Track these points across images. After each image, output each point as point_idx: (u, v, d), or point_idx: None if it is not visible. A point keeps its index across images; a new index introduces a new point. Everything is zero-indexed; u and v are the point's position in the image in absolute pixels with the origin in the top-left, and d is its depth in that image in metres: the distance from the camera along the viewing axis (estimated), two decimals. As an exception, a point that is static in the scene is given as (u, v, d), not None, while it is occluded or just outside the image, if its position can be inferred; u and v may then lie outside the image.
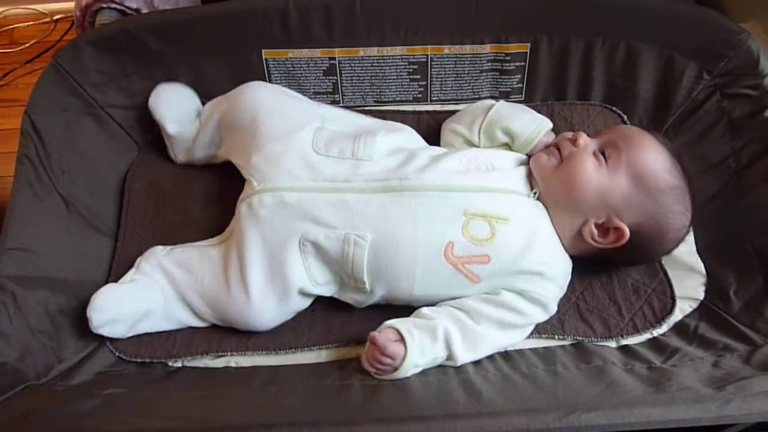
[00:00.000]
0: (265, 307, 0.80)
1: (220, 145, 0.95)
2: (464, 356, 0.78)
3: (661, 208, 0.79)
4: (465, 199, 0.79)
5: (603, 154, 0.81)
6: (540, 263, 0.79)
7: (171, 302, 0.84)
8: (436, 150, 0.88)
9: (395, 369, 0.74)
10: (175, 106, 0.95)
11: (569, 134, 0.85)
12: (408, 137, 0.92)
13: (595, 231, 0.80)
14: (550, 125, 0.91)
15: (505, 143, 0.91)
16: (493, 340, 0.80)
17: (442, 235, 0.78)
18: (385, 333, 0.76)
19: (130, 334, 0.84)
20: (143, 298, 0.83)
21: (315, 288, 0.81)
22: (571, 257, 0.84)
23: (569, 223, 0.82)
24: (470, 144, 0.93)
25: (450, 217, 0.78)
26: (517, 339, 0.82)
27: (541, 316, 0.82)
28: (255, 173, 0.84)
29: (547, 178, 0.83)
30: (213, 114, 0.94)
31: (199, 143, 0.96)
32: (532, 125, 0.89)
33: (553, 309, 0.82)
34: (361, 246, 0.78)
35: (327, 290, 0.83)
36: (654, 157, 0.80)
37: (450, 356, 0.77)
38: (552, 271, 0.80)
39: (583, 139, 0.83)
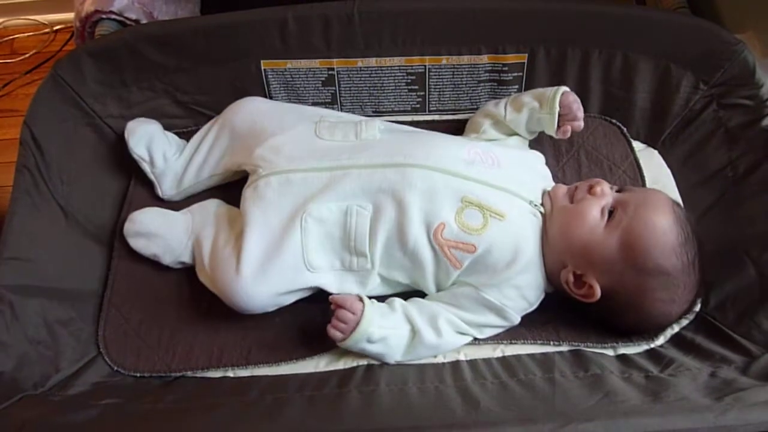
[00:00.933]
0: (253, 287, 0.79)
1: (219, 161, 0.95)
2: (424, 327, 0.79)
3: (640, 287, 0.77)
4: (465, 186, 0.80)
5: (611, 212, 0.80)
6: (516, 269, 0.79)
7: (189, 240, 0.89)
8: (442, 135, 0.89)
9: (356, 326, 0.75)
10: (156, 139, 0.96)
11: (593, 180, 0.84)
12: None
13: (571, 278, 0.80)
14: (566, 88, 0.91)
15: (531, 108, 0.91)
16: (448, 316, 0.80)
17: (436, 215, 0.79)
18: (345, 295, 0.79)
19: (145, 253, 0.90)
20: (173, 229, 0.89)
21: (310, 273, 0.81)
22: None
23: (553, 259, 0.81)
24: (498, 124, 0.94)
25: (447, 199, 0.79)
26: (474, 334, 0.82)
27: (497, 322, 0.82)
28: (260, 161, 0.86)
29: (553, 213, 0.83)
30: (207, 134, 0.95)
31: (191, 168, 0.96)
32: (550, 88, 0.91)
33: (514, 319, 0.82)
34: (363, 216, 0.80)
35: (323, 279, 0.82)
36: (656, 234, 0.76)
37: (413, 329, 0.79)
38: (522, 280, 0.80)
39: (601, 188, 0.81)
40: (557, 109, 0.88)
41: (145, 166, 0.95)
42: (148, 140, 0.95)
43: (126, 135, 0.95)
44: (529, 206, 0.83)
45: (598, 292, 0.78)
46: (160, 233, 0.89)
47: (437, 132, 0.93)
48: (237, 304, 0.81)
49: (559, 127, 0.89)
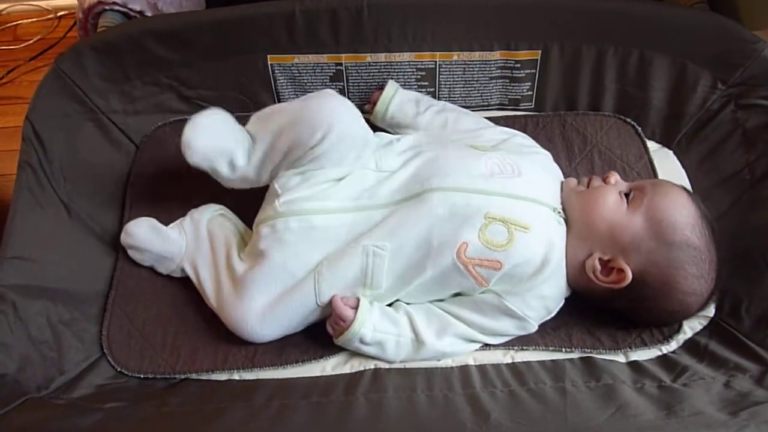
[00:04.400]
0: (261, 328, 0.80)
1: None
2: (429, 338, 0.79)
3: (671, 262, 0.76)
4: (486, 202, 0.78)
5: (627, 195, 0.80)
6: (542, 279, 0.78)
7: (185, 261, 0.87)
8: (460, 148, 0.86)
9: (348, 326, 0.77)
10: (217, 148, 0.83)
11: (607, 173, 0.85)
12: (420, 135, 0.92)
13: (598, 266, 0.78)
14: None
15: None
16: (459, 329, 0.80)
17: (458, 235, 0.77)
18: (343, 299, 0.79)
19: (142, 263, 0.89)
20: (166, 246, 0.87)
21: (321, 308, 0.80)
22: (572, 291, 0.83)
23: (577, 250, 0.80)
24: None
25: (469, 217, 0.77)
26: (487, 341, 0.82)
27: (515, 331, 0.81)
28: (282, 189, 0.81)
29: (571, 199, 0.83)
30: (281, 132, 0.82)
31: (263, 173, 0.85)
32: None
33: (532, 329, 0.81)
34: (381, 256, 0.78)
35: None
36: (678, 210, 0.77)
37: (417, 339, 0.79)
38: (547, 291, 0.79)
39: (615, 177, 0.83)
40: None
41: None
42: (205, 154, 0.82)
43: (183, 149, 0.81)
44: (553, 213, 0.81)
45: (629, 275, 0.76)
46: (153, 250, 0.88)
47: (452, 146, 0.88)
48: (243, 337, 0.82)
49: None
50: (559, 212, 0.82)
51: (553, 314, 0.82)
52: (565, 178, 0.90)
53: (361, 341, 0.78)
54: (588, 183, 0.85)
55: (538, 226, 0.78)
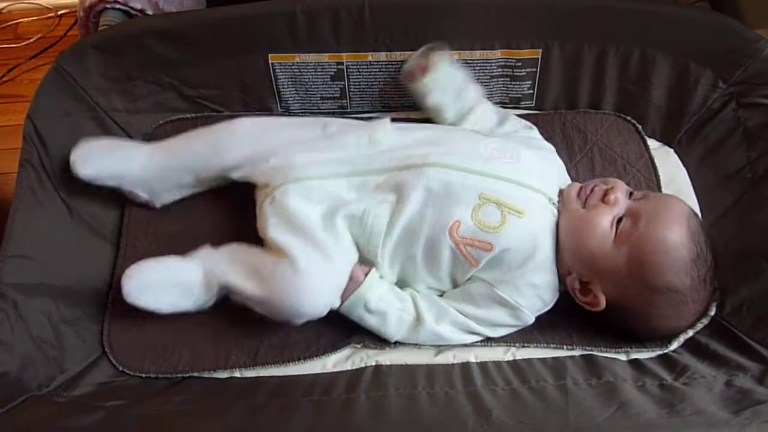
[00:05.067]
0: (317, 282, 0.76)
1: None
2: (428, 316, 0.80)
3: (647, 302, 0.76)
4: (483, 183, 0.79)
5: (620, 220, 0.77)
6: (533, 267, 0.78)
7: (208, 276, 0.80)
8: (461, 130, 0.87)
9: (355, 288, 0.78)
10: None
11: (610, 181, 0.82)
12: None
13: (577, 285, 0.79)
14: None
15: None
16: (457, 318, 0.80)
17: (452, 213, 0.78)
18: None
19: (160, 309, 0.80)
20: (179, 271, 0.81)
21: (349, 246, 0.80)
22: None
23: (561, 263, 0.80)
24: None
25: (464, 196, 0.78)
26: (486, 333, 0.82)
27: (511, 321, 0.81)
28: (273, 174, 0.83)
29: (564, 214, 0.81)
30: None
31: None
32: None
33: (528, 319, 0.81)
34: (378, 217, 0.79)
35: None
36: (666, 251, 0.74)
37: (418, 318, 0.80)
38: (539, 279, 0.79)
39: (615, 196, 0.78)
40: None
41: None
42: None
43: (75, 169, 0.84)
44: (548, 203, 0.81)
45: (603, 303, 0.77)
46: (167, 288, 0.81)
47: (451, 127, 0.91)
48: (302, 306, 0.76)
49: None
50: (554, 203, 0.82)
51: (549, 306, 0.82)
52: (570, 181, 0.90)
53: (365, 307, 0.79)
54: (586, 199, 0.81)
55: (532, 212, 0.79)
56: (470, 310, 0.80)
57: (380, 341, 0.82)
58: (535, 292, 0.80)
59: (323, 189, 0.81)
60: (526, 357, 0.82)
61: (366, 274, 0.80)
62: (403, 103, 1.03)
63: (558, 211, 0.82)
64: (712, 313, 0.85)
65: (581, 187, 0.83)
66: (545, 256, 0.79)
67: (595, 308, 0.78)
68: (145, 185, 0.89)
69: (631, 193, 0.82)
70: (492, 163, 0.81)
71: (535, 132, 0.95)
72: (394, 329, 0.80)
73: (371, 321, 0.80)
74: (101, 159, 0.86)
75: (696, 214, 0.80)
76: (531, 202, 0.80)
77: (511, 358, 0.82)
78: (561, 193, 0.84)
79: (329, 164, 0.82)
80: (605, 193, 0.79)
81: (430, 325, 0.80)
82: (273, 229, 0.79)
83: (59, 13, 1.64)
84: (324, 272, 0.77)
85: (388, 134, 0.85)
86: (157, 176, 0.89)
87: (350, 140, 0.85)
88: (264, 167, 0.84)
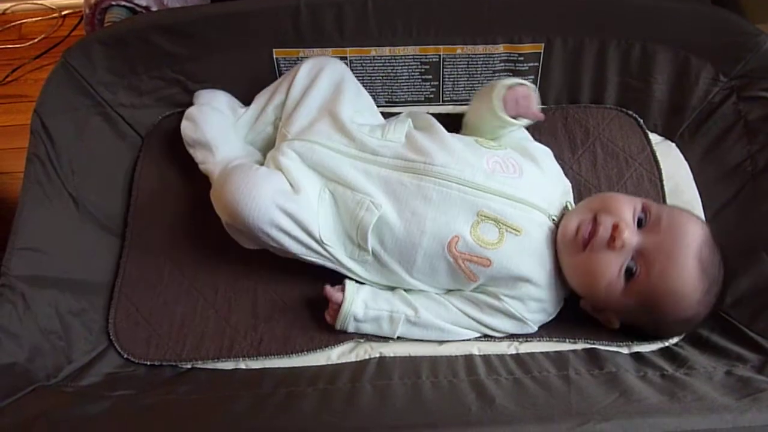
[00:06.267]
0: (263, 184, 0.77)
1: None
2: (425, 310, 0.81)
3: (659, 325, 0.81)
4: (482, 200, 0.78)
5: (629, 272, 0.75)
6: (535, 285, 0.79)
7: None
8: (465, 141, 0.86)
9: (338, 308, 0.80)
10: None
11: (613, 211, 0.76)
12: (436, 124, 0.90)
13: (589, 307, 0.83)
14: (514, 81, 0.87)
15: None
16: (457, 318, 0.81)
17: (450, 228, 0.78)
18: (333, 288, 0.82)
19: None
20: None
21: (319, 245, 0.80)
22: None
23: (569, 284, 0.81)
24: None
25: (462, 212, 0.78)
26: (488, 333, 0.83)
27: (514, 330, 0.82)
28: (291, 128, 0.86)
29: (565, 252, 0.79)
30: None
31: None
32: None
33: (530, 329, 0.82)
34: (372, 213, 0.79)
35: (326, 256, 0.82)
36: (680, 297, 0.74)
37: (415, 312, 0.81)
38: (543, 295, 0.80)
39: (622, 241, 0.73)
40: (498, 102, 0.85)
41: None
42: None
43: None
44: (548, 220, 0.81)
45: (617, 325, 0.82)
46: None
47: (458, 136, 0.88)
48: (235, 202, 0.75)
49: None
50: (554, 219, 0.82)
51: (553, 316, 0.83)
52: (567, 170, 0.91)
53: (356, 319, 0.81)
54: (590, 239, 0.76)
55: (531, 231, 0.79)
56: (474, 313, 0.81)
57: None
58: (541, 306, 0.81)
59: (329, 156, 0.83)
60: (529, 351, 0.83)
61: (343, 290, 0.81)
62: (407, 98, 1.04)
63: (556, 226, 0.81)
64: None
65: (579, 225, 0.78)
66: (548, 274, 0.79)
67: (608, 327, 0.83)
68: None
69: (639, 220, 0.77)
70: (494, 178, 0.80)
71: (525, 133, 0.94)
72: (389, 329, 0.82)
73: (367, 328, 0.83)
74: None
75: (707, 234, 0.77)
76: (530, 221, 0.79)
77: (514, 352, 0.83)
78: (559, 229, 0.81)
79: (341, 141, 0.84)
80: (612, 238, 0.74)
81: (426, 318, 0.81)
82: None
83: (63, 13, 1.64)
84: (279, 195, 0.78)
85: (400, 136, 0.85)
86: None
87: (364, 128, 0.86)
88: (288, 119, 0.88)
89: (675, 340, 0.84)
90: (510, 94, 0.85)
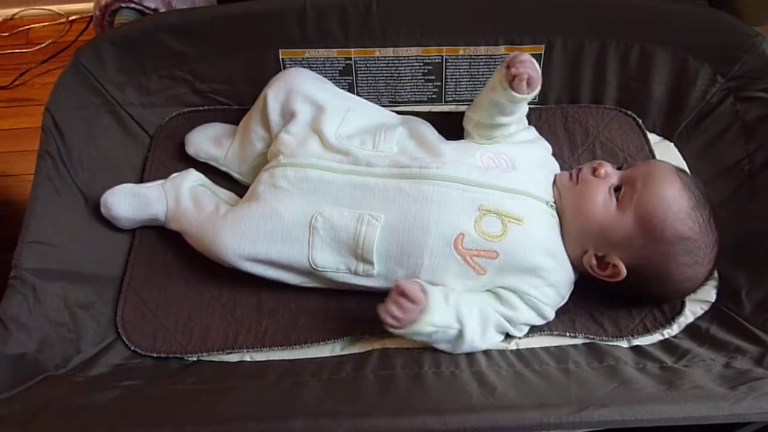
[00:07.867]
0: (235, 247, 0.82)
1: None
2: (472, 330, 0.77)
3: (663, 256, 0.78)
4: (481, 194, 0.80)
5: (618, 189, 0.81)
6: (545, 269, 0.80)
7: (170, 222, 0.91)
8: (456, 143, 0.88)
9: (414, 320, 0.73)
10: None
11: (595, 162, 0.84)
12: (427, 130, 0.92)
13: (594, 261, 0.80)
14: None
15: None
16: (497, 319, 0.80)
17: (455, 226, 0.79)
18: (409, 282, 0.75)
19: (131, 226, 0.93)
20: (149, 210, 0.91)
21: (313, 271, 0.82)
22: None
23: (573, 245, 0.82)
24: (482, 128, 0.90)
25: (464, 209, 0.80)
26: (515, 333, 0.82)
27: (535, 320, 0.82)
28: (283, 147, 0.86)
29: (562, 197, 0.84)
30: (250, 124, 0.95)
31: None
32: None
33: (550, 315, 0.83)
34: (374, 226, 0.80)
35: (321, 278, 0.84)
36: (667, 204, 0.77)
37: (462, 331, 0.76)
38: (555, 278, 0.81)
39: (605, 170, 0.82)
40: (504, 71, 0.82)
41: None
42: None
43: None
44: (546, 207, 0.83)
45: (624, 270, 0.79)
46: (136, 217, 0.91)
47: (452, 141, 0.90)
48: (213, 251, 0.84)
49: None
50: (552, 205, 0.84)
51: (566, 299, 0.84)
52: (566, 169, 0.92)
53: (432, 326, 0.74)
54: (578, 176, 0.84)
55: (532, 218, 0.80)
56: (505, 311, 0.80)
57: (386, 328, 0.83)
58: (555, 291, 0.82)
59: (321, 181, 0.82)
60: (529, 346, 0.84)
61: (424, 304, 0.74)
62: (409, 98, 1.06)
63: (557, 213, 0.84)
64: (713, 299, 0.87)
65: (571, 173, 0.86)
66: (555, 257, 0.81)
67: (617, 278, 0.79)
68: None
69: (619, 167, 0.84)
70: (489, 173, 0.82)
71: (533, 132, 0.95)
72: (434, 344, 0.79)
73: (418, 338, 0.77)
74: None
75: (685, 171, 0.85)
76: (529, 210, 0.81)
77: (515, 348, 0.84)
78: (554, 187, 0.86)
79: (333, 158, 0.84)
80: (594, 169, 0.83)
81: (471, 337, 0.77)
82: (260, 193, 0.85)
83: (70, 18, 1.66)
84: (246, 246, 0.82)
85: (392, 146, 0.86)
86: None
87: (354, 141, 0.86)
88: (279, 136, 0.88)
89: (674, 330, 0.85)
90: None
